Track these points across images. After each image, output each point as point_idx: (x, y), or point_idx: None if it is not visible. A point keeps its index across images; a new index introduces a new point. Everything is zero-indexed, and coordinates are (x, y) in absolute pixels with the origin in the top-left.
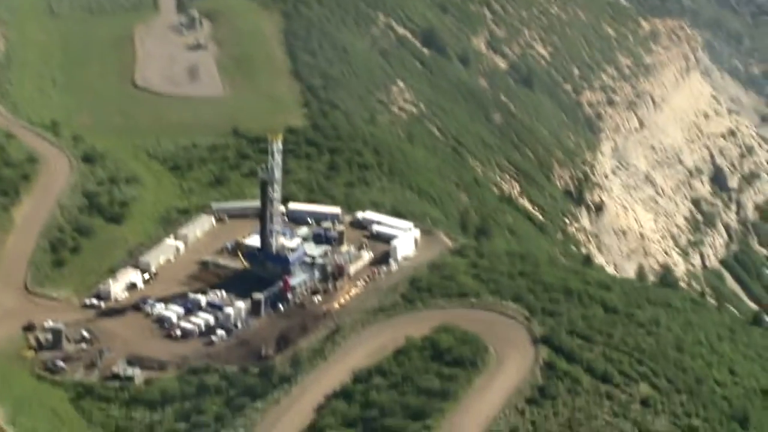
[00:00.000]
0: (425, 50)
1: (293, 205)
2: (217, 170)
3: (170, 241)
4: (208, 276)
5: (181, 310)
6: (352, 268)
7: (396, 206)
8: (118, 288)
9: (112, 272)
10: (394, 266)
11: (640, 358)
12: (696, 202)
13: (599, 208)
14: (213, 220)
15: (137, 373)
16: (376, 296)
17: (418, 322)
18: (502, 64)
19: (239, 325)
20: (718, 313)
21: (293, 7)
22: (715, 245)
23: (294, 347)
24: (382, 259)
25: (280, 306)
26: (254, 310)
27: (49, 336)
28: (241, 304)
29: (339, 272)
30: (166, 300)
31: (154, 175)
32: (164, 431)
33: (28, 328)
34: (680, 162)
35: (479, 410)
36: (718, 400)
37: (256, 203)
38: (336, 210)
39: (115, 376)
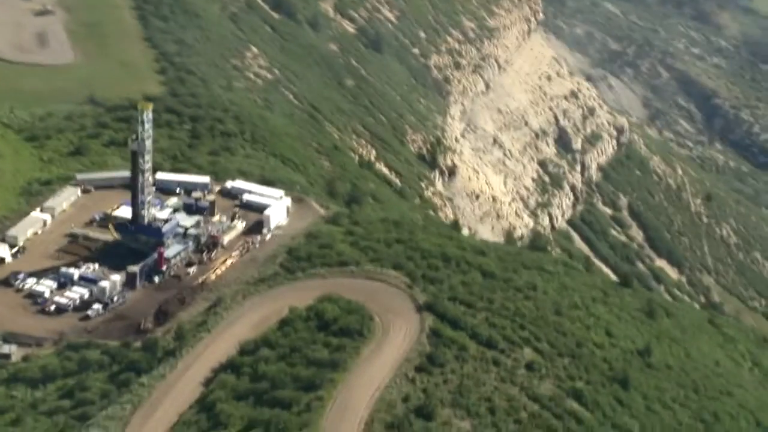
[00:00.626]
0: (275, 15)
1: (161, 175)
2: (76, 140)
3: (36, 214)
4: (77, 249)
5: (53, 284)
6: (226, 239)
7: (263, 174)
8: None
9: None
10: (268, 235)
11: (521, 323)
12: (542, 164)
13: (452, 172)
14: (78, 191)
15: (13, 350)
16: (253, 267)
17: (300, 291)
18: (351, 29)
19: (115, 298)
20: (589, 276)
21: None
22: (563, 206)
23: (173, 320)
24: (255, 228)
25: (155, 278)
26: (129, 282)
27: None
28: (116, 277)
29: (213, 243)
30: (37, 274)
31: (10, 145)
32: (47, 409)
33: None
34: (526, 124)
35: (370, 379)
36: (598, 363)
37: (122, 173)
38: (205, 179)
39: None
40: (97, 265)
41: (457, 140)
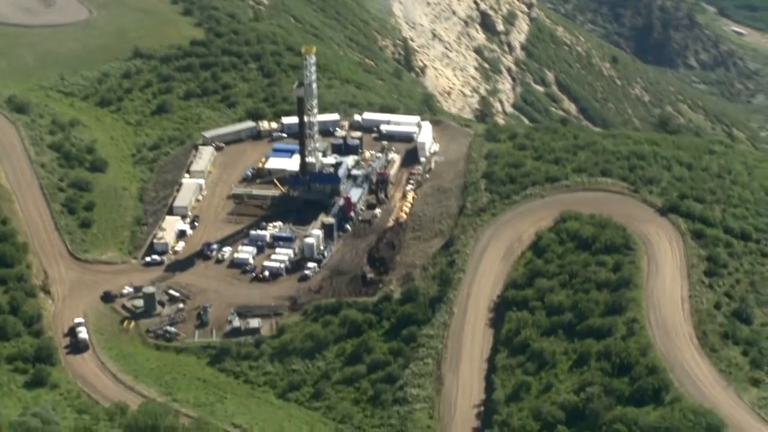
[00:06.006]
0: None
1: (287, 119)
2: (151, 97)
3: (189, 180)
4: (249, 209)
5: (253, 249)
6: (390, 174)
7: (379, 102)
8: (170, 239)
9: (140, 223)
10: (431, 164)
11: (754, 210)
12: (478, 51)
13: (423, 71)
14: (212, 149)
15: (259, 324)
16: (448, 197)
17: (530, 214)
18: None
19: (325, 253)
20: (744, 149)
21: None
22: (506, 91)
23: (393, 265)
24: (409, 158)
25: (347, 226)
26: (327, 235)
27: (140, 302)
28: (317, 232)
29: (383, 180)
30: (227, 242)
31: (87, 113)
32: (342, 378)
33: (107, 297)
34: (454, 13)
35: (669, 292)
36: None
37: (247, 125)
38: (334, 116)
39: (236, 331)
40: (280, 223)
41: (412, 40)
